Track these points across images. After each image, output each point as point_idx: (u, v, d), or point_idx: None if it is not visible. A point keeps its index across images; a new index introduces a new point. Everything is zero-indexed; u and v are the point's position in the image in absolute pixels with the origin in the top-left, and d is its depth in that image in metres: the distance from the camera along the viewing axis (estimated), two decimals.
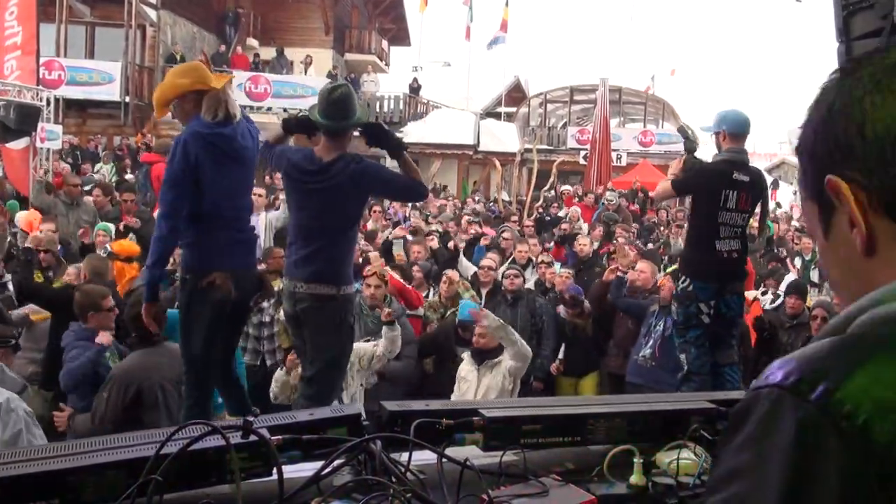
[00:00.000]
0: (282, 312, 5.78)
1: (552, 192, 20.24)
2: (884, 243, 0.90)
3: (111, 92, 24.38)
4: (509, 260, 9.96)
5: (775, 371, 0.82)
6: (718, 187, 6.02)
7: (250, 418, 1.83)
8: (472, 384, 6.32)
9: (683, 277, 6.30)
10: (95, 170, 19.07)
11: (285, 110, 23.81)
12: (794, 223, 18.62)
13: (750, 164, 6.31)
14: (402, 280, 7.95)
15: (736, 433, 0.83)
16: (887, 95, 0.88)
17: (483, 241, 11.22)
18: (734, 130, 6.09)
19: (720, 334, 6.25)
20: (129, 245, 8.04)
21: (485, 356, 6.32)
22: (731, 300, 6.18)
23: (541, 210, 17.03)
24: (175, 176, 4.42)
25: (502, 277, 8.30)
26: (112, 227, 9.58)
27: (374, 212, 13.01)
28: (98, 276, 6.79)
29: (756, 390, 0.83)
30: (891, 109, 0.88)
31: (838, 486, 0.74)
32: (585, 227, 14.02)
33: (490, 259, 9.08)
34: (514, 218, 15.00)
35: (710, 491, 0.83)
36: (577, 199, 18.12)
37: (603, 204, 15.80)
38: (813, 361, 0.81)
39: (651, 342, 7.12)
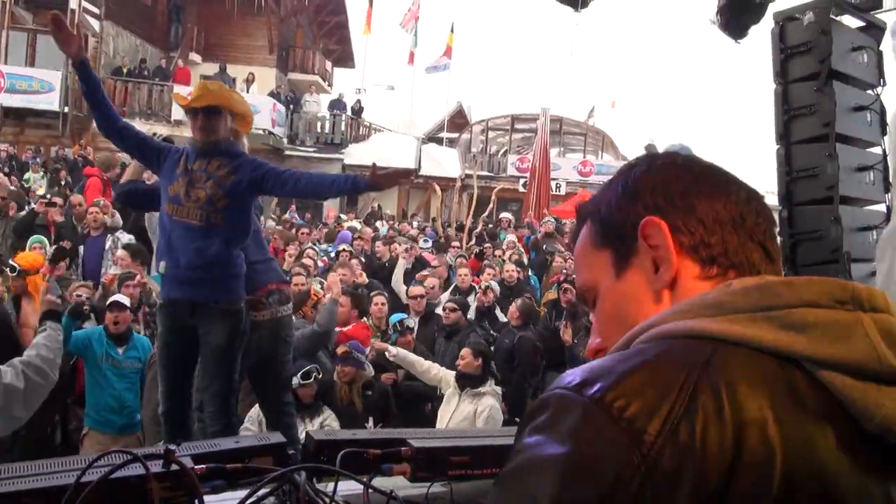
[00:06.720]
0: None
1: (490, 217, 20.24)
2: (683, 278, 1.05)
3: (50, 101, 23.79)
4: (451, 288, 9.78)
5: (563, 379, 0.94)
6: None
7: (172, 447, 1.81)
8: (451, 408, 6.27)
9: None
10: (24, 178, 18.50)
11: None
12: None
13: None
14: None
15: (529, 422, 0.93)
16: None
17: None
18: None
19: None
20: (34, 256, 7.63)
21: (467, 382, 6.26)
22: None
23: (478, 235, 16.84)
24: None
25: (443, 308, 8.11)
26: (45, 239, 9.18)
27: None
28: None
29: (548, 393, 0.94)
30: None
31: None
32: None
33: (422, 287, 8.73)
34: (455, 244, 14.80)
35: (505, 464, 0.93)
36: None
37: (536, 233, 15.53)
38: (594, 368, 0.92)
39: None
